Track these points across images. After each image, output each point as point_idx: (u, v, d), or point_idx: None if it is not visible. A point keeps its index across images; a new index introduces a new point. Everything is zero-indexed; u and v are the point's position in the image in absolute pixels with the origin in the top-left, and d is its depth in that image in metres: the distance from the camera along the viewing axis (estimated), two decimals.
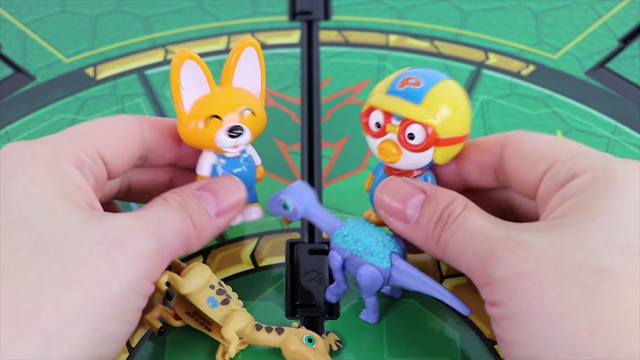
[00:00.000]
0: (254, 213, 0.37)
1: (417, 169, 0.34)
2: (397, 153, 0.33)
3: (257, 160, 0.37)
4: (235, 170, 0.35)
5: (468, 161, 0.34)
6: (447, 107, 0.32)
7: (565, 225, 0.29)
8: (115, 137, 0.34)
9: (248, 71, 0.35)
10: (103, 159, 0.33)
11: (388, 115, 0.33)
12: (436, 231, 0.32)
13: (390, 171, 0.35)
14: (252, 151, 0.36)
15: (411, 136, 0.32)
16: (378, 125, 0.33)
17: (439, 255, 0.32)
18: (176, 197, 0.33)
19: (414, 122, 0.32)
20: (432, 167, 0.35)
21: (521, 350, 0.28)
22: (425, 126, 0.32)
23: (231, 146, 0.34)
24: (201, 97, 0.34)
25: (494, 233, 0.30)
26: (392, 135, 0.33)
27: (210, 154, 0.35)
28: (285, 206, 0.35)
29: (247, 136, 0.34)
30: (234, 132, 0.34)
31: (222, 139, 0.34)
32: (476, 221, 0.31)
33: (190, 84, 0.34)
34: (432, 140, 0.32)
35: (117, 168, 0.34)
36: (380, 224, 0.35)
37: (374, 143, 0.34)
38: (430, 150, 0.32)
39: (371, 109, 0.33)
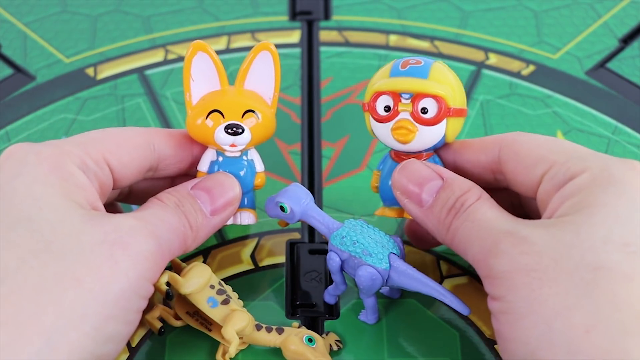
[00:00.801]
0: (246, 218, 0.37)
1: (426, 151, 0.35)
2: (413, 129, 0.33)
3: (259, 166, 0.36)
4: (232, 171, 0.35)
5: (466, 160, 0.35)
6: (450, 80, 0.34)
7: (566, 223, 0.29)
8: (124, 146, 0.34)
9: (262, 75, 0.35)
10: (110, 166, 0.33)
11: (397, 96, 0.33)
12: (448, 218, 0.32)
13: (399, 157, 0.35)
14: (255, 156, 0.36)
15: (424, 110, 0.33)
16: (387, 109, 0.34)
17: (448, 242, 0.32)
18: (171, 198, 0.33)
19: (425, 95, 0.33)
20: (436, 150, 0.35)
21: (518, 346, 0.28)
22: (436, 98, 0.33)
23: (229, 144, 0.34)
24: (210, 92, 0.35)
25: (500, 226, 0.30)
26: (405, 114, 0.33)
27: (211, 151, 0.36)
28: (282, 208, 0.35)
29: (246, 136, 0.34)
30: (232, 129, 0.34)
31: (221, 136, 0.34)
32: (486, 212, 0.31)
33: (201, 76, 0.34)
34: (445, 111, 0.33)
35: (124, 177, 0.34)
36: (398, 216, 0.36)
37: (384, 128, 0.34)
38: (443, 124, 0.33)
39: (378, 95, 0.34)
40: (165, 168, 0.36)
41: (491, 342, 0.35)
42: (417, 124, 0.33)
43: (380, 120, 0.34)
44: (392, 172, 0.34)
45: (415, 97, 0.33)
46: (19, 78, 0.50)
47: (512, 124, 0.46)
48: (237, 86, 0.35)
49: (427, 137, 0.34)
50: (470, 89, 0.48)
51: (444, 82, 0.33)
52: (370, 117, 0.34)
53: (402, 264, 0.33)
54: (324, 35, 0.52)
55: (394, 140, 0.34)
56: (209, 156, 0.36)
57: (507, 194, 0.35)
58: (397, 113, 0.34)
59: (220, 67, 0.35)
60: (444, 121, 0.33)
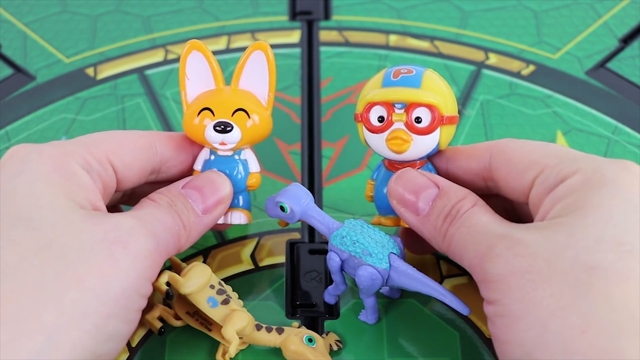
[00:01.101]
0: (237, 218, 0.36)
1: (420, 159, 0.35)
2: (408, 139, 0.33)
3: (254, 167, 0.36)
4: (223, 170, 0.35)
5: (457, 167, 0.35)
6: (442, 88, 0.34)
7: (559, 224, 0.29)
8: (126, 147, 0.34)
9: (257, 75, 0.35)
10: (113, 166, 0.33)
11: (391, 106, 0.33)
12: (444, 226, 0.32)
13: (392, 167, 0.35)
14: (249, 156, 0.36)
15: (418, 119, 0.33)
16: (381, 119, 0.34)
17: (444, 249, 0.32)
18: (164, 198, 0.33)
19: (419, 105, 0.33)
20: (429, 157, 0.35)
21: (514, 348, 0.28)
22: (430, 107, 0.33)
23: (218, 142, 0.34)
24: (205, 91, 0.35)
25: (495, 230, 0.30)
26: (399, 124, 0.33)
27: (206, 150, 0.36)
28: (282, 208, 0.35)
29: (236, 134, 0.34)
30: (220, 126, 0.34)
31: (211, 134, 0.34)
32: (480, 218, 0.31)
33: (196, 75, 0.35)
34: (439, 120, 0.33)
35: (127, 178, 0.34)
36: (394, 225, 0.35)
37: (378, 139, 0.34)
38: (437, 133, 0.33)
39: (371, 105, 0.34)
40: (167, 171, 0.36)
41: (491, 342, 0.35)
42: (411, 134, 0.33)
43: (374, 130, 0.34)
44: (388, 181, 0.34)
45: (409, 106, 0.33)
46: (19, 78, 0.50)
47: (512, 124, 0.46)
48: (232, 86, 0.35)
49: (421, 146, 0.34)
50: (470, 89, 0.48)
51: (437, 90, 0.33)
52: (364, 127, 0.34)
53: (402, 263, 0.33)
54: (324, 35, 0.52)
55: (389, 150, 0.34)
56: (203, 155, 0.36)
57: (499, 200, 0.35)
58: (391, 123, 0.34)
59: (215, 66, 0.35)
60: (438, 129, 0.33)
